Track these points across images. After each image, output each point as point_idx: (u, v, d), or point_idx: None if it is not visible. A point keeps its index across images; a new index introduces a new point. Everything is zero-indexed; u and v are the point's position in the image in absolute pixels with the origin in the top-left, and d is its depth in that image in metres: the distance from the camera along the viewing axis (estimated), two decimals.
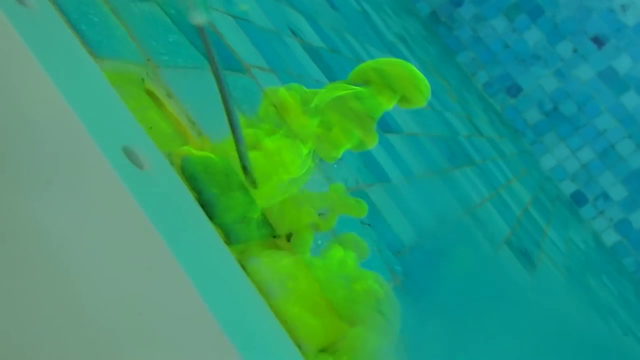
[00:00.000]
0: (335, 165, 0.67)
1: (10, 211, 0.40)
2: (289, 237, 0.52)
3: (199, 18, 0.43)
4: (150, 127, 0.47)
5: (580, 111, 2.78)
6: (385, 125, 0.97)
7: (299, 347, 0.44)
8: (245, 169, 0.48)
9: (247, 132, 0.53)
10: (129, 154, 0.41)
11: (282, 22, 0.88)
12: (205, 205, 0.46)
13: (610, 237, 2.79)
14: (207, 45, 0.44)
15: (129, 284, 0.39)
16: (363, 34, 1.38)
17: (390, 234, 0.69)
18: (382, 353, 0.49)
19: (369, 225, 0.64)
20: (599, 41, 2.73)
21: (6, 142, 0.39)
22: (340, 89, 0.57)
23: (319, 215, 0.55)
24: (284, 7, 0.95)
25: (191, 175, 0.46)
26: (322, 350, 0.46)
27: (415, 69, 0.62)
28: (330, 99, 0.56)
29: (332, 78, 0.90)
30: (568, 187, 2.82)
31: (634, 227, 2.77)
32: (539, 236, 1.54)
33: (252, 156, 0.51)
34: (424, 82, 0.62)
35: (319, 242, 0.55)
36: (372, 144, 0.60)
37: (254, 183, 0.49)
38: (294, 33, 0.90)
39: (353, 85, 0.59)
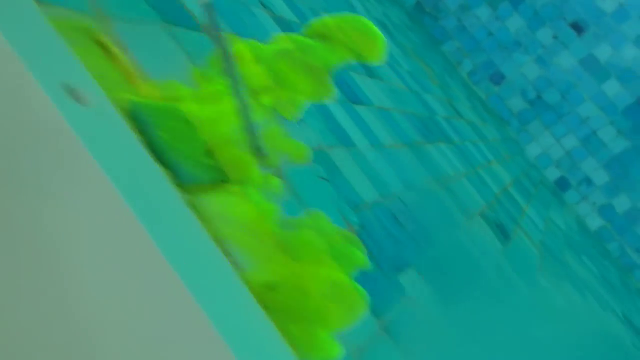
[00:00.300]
0: (298, 125, 0.67)
1: None
2: (240, 182, 0.52)
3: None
4: (99, 74, 0.47)
5: (563, 99, 2.78)
6: (354, 96, 0.97)
7: (246, 282, 0.45)
8: (257, 148, 0.48)
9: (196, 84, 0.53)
10: (69, 90, 0.41)
11: None
12: (154, 148, 0.46)
13: (595, 222, 2.80)
14: (215, 26, 0.45)
15: (72, 216, 0.40)
16: (338, 10, 1.38)
17: (349, 190, 0.69)
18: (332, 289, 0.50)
19: (326, 180, 0.65)
20: (578, 27, 2.73)
21: None
22: (292, 42, 0.57)
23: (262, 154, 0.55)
24: None
25: (138, 119, 0.47)
26: (268, 286, 0.47)
27: (371, 23, 0.62)
28: (280, 50, 0.56)
29: None
30: (553, 174, 2.83)
31: (617, 212, 2.77)
32: (517, 214, 1.54)
33: (200, 107, 0.52)
34: (380, 37, 0.62)
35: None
36: (327, 95, 0.60)
37: (264, 156, 0.49)
38: (263, 5, 0.90)
39: (308, 38, 0.59)
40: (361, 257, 0.56)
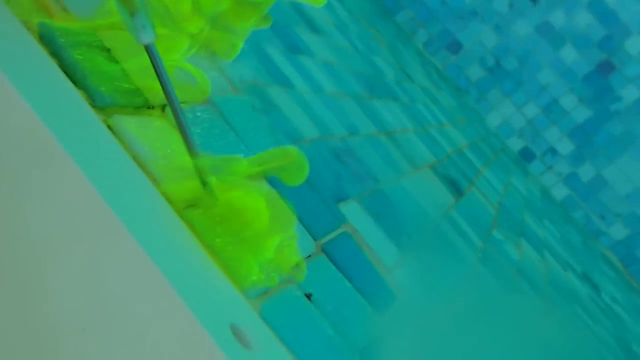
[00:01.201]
0: (231, 63, 0.72)
1: None
2: (164, 108, 0.56)
3: (145, 38, 0.46)
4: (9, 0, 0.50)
5: (521, 66, 2.86)
6: (295, 47, 1.02)
7: (167, 198, 0.47)
8: (203, 182, 0.49)
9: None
10: None
11: None
12: (68, 70, 0.48)
13: (560, 192, 2.87)
14: (158, 67, 0.47)
15: None
16: None
17: (288, 125, 0.74)
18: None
19: (262, 111, 0.69)
20: None
21: None
22: None
23: None
24: None
25: (50, 41, 0.49)
26: (190, 205, 0.49)
27: None
28: None
29: None
30: (516, 144, 2.90)
31: (582, 180, 2.84)
32: (471, 173, 1.59)
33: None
34: None
35: (199, 114, 0.59)
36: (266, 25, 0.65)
37: (213, 196, 0.50)
38: None
39: None
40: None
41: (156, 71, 0.46)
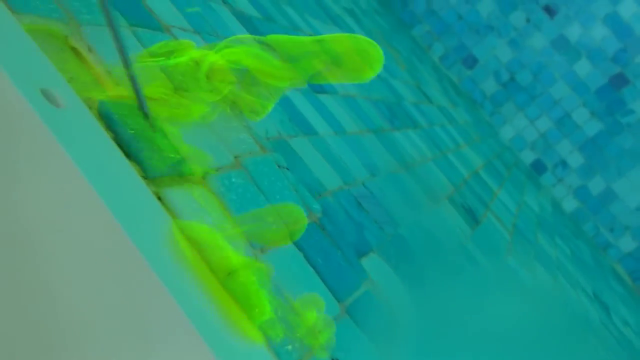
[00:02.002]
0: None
1: None
2: (204, 175, 0.58)
3: None
4: (71, 77, 0.53)
5: (535, 80, 2.86)
6: (317, 86, 1.03)
7: (211, 269, 0.50)
8: (141, 105, 0.54)
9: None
10: (46, 94, 0.46)
11: None
12: (122, 144, 0.52)
13: (570, 204, 2.87)
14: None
15: (49, 211, 0.45)
16: (304, 5, 1.43)
17: (311, 177, 0.75)
18: None
19: (286, 168, 0.70)
20: (550, 10, 2.80)
21: None
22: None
23: None
24: None
25: (107, 117, 0.52)
26: (230, 273, 0.52)
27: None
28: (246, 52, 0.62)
29: None
30: (528, 156, 2.90)
31: (591, 193, 2.85)
32: (487, 197, 1.60)
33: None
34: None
35: (233, 179, 0.61)
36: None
37: (149, 118, 0.55)
38: (224, 1, 0.95)
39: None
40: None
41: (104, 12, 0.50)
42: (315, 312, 0.55)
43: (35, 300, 0.44)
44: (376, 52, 0.62)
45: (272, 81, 0.65)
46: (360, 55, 0.62)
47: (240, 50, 0.64)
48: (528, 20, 2.83)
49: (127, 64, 0.52)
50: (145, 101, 0.54)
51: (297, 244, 0.62)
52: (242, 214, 0.58)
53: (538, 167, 2.89)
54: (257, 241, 0.57)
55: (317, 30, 1.34)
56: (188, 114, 0.61)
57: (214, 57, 0.64)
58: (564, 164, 2.87)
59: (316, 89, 1.01)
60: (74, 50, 0.55)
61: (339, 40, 0.63)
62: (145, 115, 0.54)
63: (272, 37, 0.63)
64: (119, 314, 0.43)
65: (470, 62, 2.93)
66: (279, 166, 0.69)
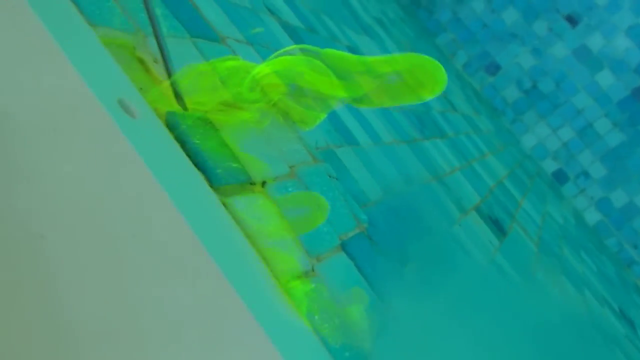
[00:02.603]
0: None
1: (23, 154, 0.48)
2: (263, 184, 0.60)
3: None
4: (141, 88, 0.55)
5: (558, 89, 2.87)
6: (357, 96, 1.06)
7: (275, 277, 0.53)
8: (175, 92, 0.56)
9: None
10: (122, 104, 0.49)
11: (258, 0, 0.97)
12: (189, 154, 0.54)
13: (593, 216, 2.88)
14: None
15: (126, 213, 0.47)
16: (339, 15, 1.46)
17: (357, 188, 0.77)
18: None
19: (336, 178, 0.73)
20: (572, 20, 2.82)
21: (16, 98, 0.48)
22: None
23: None
24: None
25: (175, 127, 0.55)
26: (292, 278, 0.55)
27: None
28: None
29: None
30: (550, 166, 2.91)
31: (614, 206, 2.85)
32: (512, 207, 1.62)
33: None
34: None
35: (290, 189, 0.63)
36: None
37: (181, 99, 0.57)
38: (270, 11, 0.98)
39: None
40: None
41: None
42: (360, 307, 0.58)
43: (112, 299, 0.46)
44: (440, 74, 0.64)
45: (324, 93, 0.68)
46: (423, 75, 0.64)
47: (293, 61, 0.66)
48: (550, 29, 2.85)
49: (162, 50, 0.54)
50: (179, 90, 0.56)
51: (348, 253, 0.64)
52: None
53: (560, 177, 2.90)
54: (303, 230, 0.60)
55: (353, 41, 1.37)
56: (244, 122, 0.64)
57: (266, 68, 0.66)
58: (586, 174, 2.88)
59: (355, 98, 1.04)
60: (140, 61, 0.58)
61: (402, 60, 0.65)
62: (179, 99, 0.56)
63: (328, 52, 0.65)
64: (193, 315, 0.45)
65: (493, 69, 2.95)
66: (329, 176, 0.71)
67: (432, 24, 3.00)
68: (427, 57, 0.65)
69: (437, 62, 0.64)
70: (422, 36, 2.68)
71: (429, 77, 0.64)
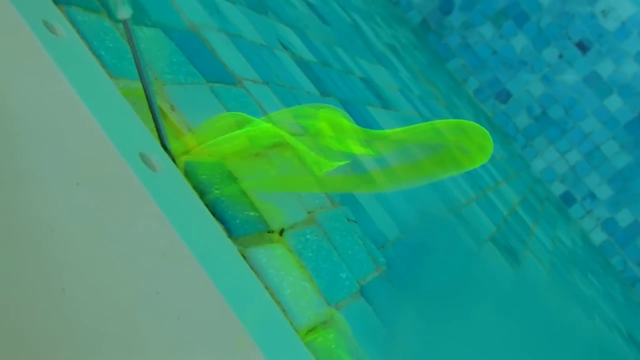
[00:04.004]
0: None
1: (45, 208, 0.47)
2: (281, 232, 0.59)
3: (123, 13, 0.51)
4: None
5: (567, 115, 2.86)
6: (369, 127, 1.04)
7: (295, 329, 0.51)
8: (162, 139, 0.54)
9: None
10: (144, 158, 0.48)
11: (272, 36, 0.95)
12: (208, 204, 0.53)
13: (598, 236, 2.86)
14: (130, 36, 0.51)
15: (148, 268, 0.46)
16: (353, 46, 1.45)
17: (374, 228, 0.75)
18: None
19: (354, 222, 0.71)
20: (583, 46, 2.80)
21: (44, 150, 0.46)
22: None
23: None
24: (274, 22, 1.02)
25: (194, 177, 0.53)
26: (311, 330, 0.53)
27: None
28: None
29: (322, 90, 0.96)
30: (558, 188, 2.89)
31: (620, 225, 2.83)
32: (525, 235, 1.60)
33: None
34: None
35: (308, 236, 0.61)
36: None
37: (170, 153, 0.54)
38: (284, 47, 0.96)
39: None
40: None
41: (131, 47, 0.51)
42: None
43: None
44: (486, 142, 0.60)
45: (343, 147, 0.65)
46: (467, 143, 0.60)
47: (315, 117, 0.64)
48: (561, 56, 2.83)
49: (143, 77, 0.53)
50: (162, 123, 0.53)
51: (367, 299, 0.62)
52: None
53: (567, 199, 2.88)
54: None
55: (367, 72, 1.35)
56: (261, 169, 0.62)
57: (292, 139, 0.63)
58: (592, 196, 2.86)
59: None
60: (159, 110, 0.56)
61: (444, 128, 0.61)
62: (161, 136, 0.54)
63: (375, 132, 0.63)
64: None
65: (504, 96, 2.93)
66: (348, 220, 0.69)
67: (441, 49, 2.98)
68: (470, 122, 0.61)
69: (482, 128, 0.60)
70: (433, 62, 2.66)
71: (473, 145, 0.60)
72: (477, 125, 0.60)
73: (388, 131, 0.63)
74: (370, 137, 0.62)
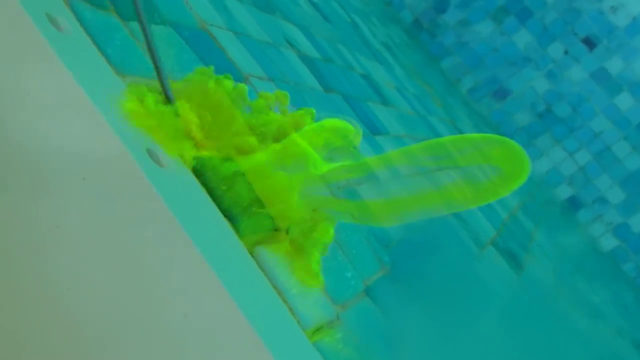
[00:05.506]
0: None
1: (52, 203, 0.50)
2: (287, 230, 0.61)
3: None
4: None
5: (574, 113, 2.87)
6: (374, 127, 1.07)
7: (302, 328, 0.54)
8: (169, 99, 0.57)
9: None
10: (151, 154, 0.51)
11: (279, 34, 0.99)
12: (216, 201, 0.56)
13: (609, 242, 2.86)
14: (142, 21, 0.54)
15: (155, 265, 0.49)
16: (353, 43, 1.49)
17: (379, 228, 0.79)
18: None
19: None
20: (590, 42, 2.83)
21: (49, 145, 0.49)
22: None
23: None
24: (281, 20, 1.06)
25: (202, 174, 0.56)
26: (317, 329, 0.56)
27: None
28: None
29: (325, 86, 1.00)
30: (564, 191, 2.90)
31: (633, 231, 2.84)
32: (526, 239, 1.63)
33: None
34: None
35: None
36: None
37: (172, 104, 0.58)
38: (290, 44, 1.01)
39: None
40: None
41: (142, 29, 0.54)
42: None
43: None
44: (523, 162, 0.56)
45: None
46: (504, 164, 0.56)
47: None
48: (566, 52, 2.86)
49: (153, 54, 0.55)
50: (170, 88, 0.56)
51: (372, 298, 0.66)
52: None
53: (575, 203, 2.89)
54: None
55: (366, 68, 1.39)
56: (266, 164, 0.65)
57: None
58: (603, 199, 2.87)
59: (373, 130, 1.06)
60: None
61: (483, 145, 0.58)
62: (169, 101, 0.57)
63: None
64: None
65: (501, 94, 2.96)
66: (354, 217, 0.72)
67: (435, 48, 3.01)
68: (504, 138, 0.57)
69: (518, 145, 0.56)
70: (427, 61, 2.70)
71: (509, 166, 0.56)
72: (509, 139, 0.57)
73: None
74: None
